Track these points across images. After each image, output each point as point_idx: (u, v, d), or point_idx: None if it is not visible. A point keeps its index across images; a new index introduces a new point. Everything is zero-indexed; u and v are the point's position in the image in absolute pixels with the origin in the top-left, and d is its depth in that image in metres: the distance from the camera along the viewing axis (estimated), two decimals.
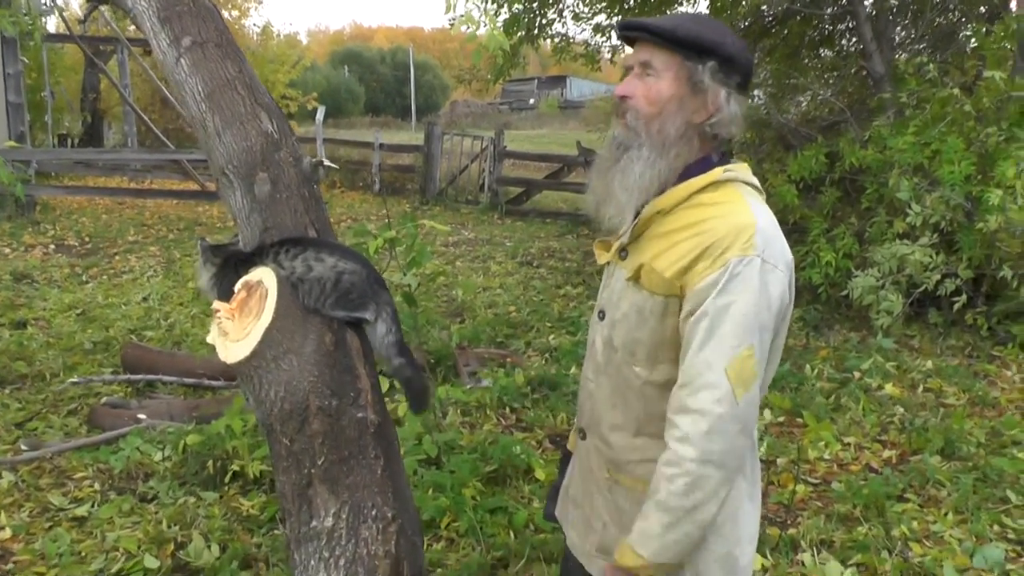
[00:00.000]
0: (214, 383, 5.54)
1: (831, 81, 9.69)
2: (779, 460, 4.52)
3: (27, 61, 15.39)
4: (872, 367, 5.91)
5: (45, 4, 13.88)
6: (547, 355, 6.42)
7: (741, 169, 1.81)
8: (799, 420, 5.08)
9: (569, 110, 42.57)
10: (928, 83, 7.05)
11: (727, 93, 1.75)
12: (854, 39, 9.58)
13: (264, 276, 2.01)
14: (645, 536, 1.72)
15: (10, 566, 3.53)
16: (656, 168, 1.77)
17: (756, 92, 10.27)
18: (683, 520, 1.68)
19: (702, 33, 1.75)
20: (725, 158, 1.84)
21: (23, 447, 4.61)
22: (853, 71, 9.35)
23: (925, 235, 6.42)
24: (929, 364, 6.10)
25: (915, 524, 3.81)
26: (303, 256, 2.05)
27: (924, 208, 6.44)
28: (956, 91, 6.78)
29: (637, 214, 1.83)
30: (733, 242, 1.67)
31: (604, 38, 10.87)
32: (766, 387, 1.84)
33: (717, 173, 1.77)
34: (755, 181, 1.83)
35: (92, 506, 4.02)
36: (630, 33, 1.82)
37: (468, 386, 5.41)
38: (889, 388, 5.58)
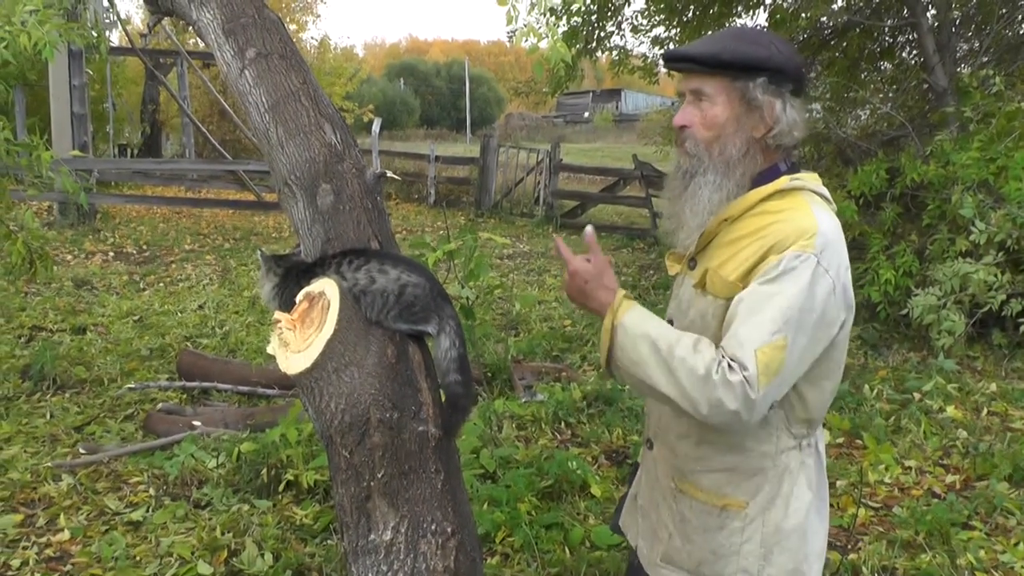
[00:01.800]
0: (268, 392, 5.58)
1: (891, 95, 9.52)
2: (839, 483, 4.41)
3: (91, 73, 15.75)
4: (933, 389, 5.76)
5: (110, 18, 14.20)
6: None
7: (809, 178, 1.83)
8: (858, 442, 4.97)
9: (624, 123, 42.45)
10: (993, 97, 6.89)
11: (782, 103, 1.78)
12: (915, 52, 9.42)
13: (326, 287, 2.00)
14: (636, 319, 1.78)
15: (68, 567, 3.58)
16: (724, 190, 1.81)
17: (815, 105, 10.13)
18: (655, 354, 1.71)
19: (747, 51, 1.77)
20: (794, 167, 1.86)
21: (81, 451, 4.68)
22: (914, 84, 9.18)
23: (989, 254, 6.27)
24: (993, 387, 5.93)
25: (982, 553, 3.67)
26: (366, 268, 2.03)
27: (989, 226, 6.28)
28: (1023, 105, 6.61)
29: None
30: (795, 240, 1.69)
31: (662, 51, 10.80)
32: (823, 407, 1.84)
33: (783, 181, 1.80)
34: (824, 191, 1.84)
35: (147, 511, 4.06)
36: (676, 65, 1.85)
37: (523, 400, 5.38)
38: (951, 411, 5.43)
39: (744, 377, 1.63)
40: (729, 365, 1.65)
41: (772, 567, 1.85)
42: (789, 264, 1.67)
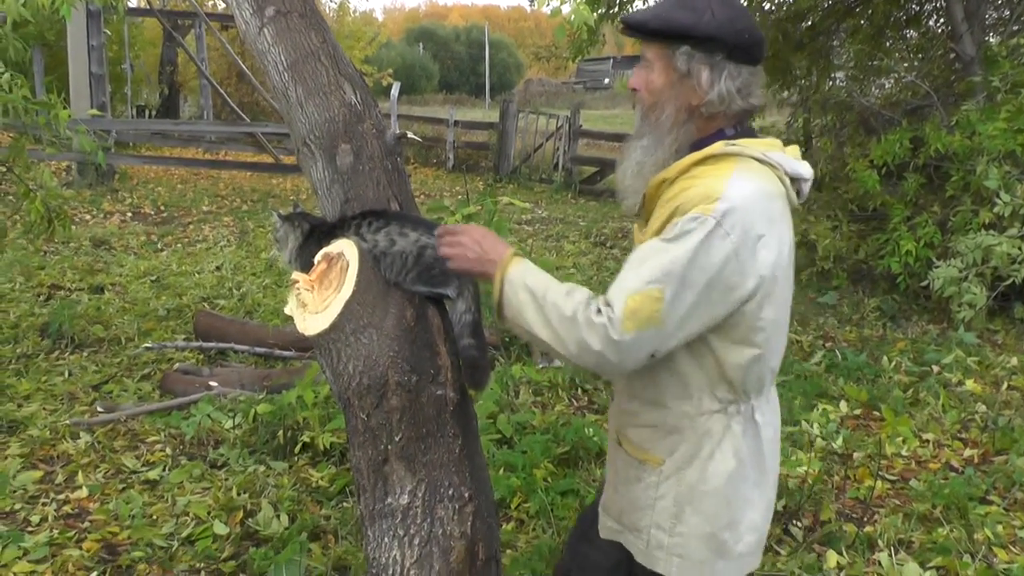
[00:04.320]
0: (285, 353, 5.59)
1: (916, 63, 9.36)
2: (856, 454, 4.39)
3: (109, 34, 15.70)
4: (953, 362, 5.70)
5: None
6: None
7: (754, 144, 1.82)
8: (876, 413, 4.94)
9: None
10: (1023, 66, 6.76)
11: (711, 72, 1.78)
12: (943, 20, 9.24)
13: (345, 248, 1.98)
14: (520, 272, 1.82)
15: (86, 524, 3.60)
16: (654, 155, 1.85)
17: (837, 74, 9.98)
18: (532, 301, 1.77)
19: (672, 18, 1.79)
20: (746, 133, 1.86)
21: (99, 409, 4.70)
22: (940, 53, 9.02)
23: (1014, 226, 6.18)
24: (1014, 361, 5.87)
25: (1000, 528, 3.64)
26: (386, 230, 2.01)
27: (1014, 198, 6.19)
28: None
29: None
30: (696, 204, 1.70)
31: None
32: (748, 375, 1.82)
33: (717, 147, 1.79)
34: (768, 156, 1.81)
35: (164, 470, 4.08)
36: (625, 31, 1.91)
37: (540, 366, 5.37)
38: (970, 384, 5.38)
39: (608, 318, 1.68)
40: (598, 309, 1.71)
41: (684, 526, 1.88)
42: (685, 226, 1.68)
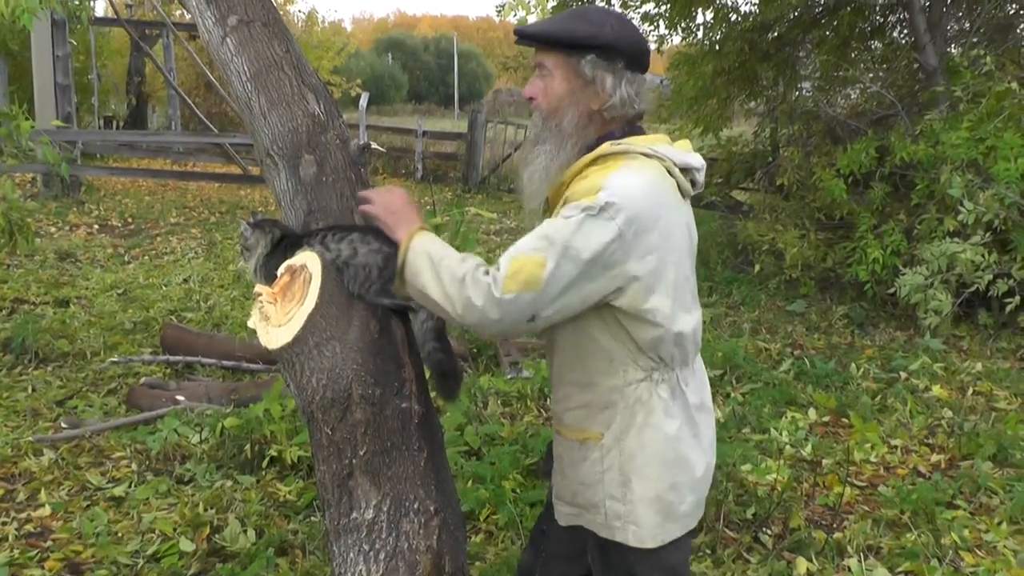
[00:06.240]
0: (253, 366, 5.53)
1: (881, 74, 9.47)
2: (825, 461, 4.41)
3: (75, 43, 15.55)
4: (919, 368, 5.77)
5: None
6: None
7: (636, 141, 1.94)
8: (844, 420, 4.97)
9: None
10: (984, 77, 6.85)
11: (615, 78, 1.92)
12: (906, 31, 9.36)
13: (308, 260, 1.97)
14: (424, 241, 1.93)
15: (49, 543, 3.54)
16: (558, 159, 1.96)
17: (804, 84, 10.08)
18: (430, 266, 1.88)
19: (576, 29, 1.92)
20: (632, 132, 1.98)
21: (63, 425, 4.63)
22: (904, 64, 9.13)
23: (977, 233, 6.24)
24: (979, 367, 5.94)
25: (966, 533, 3.67)
26: (350, 239, 2.00)
27: (977, 206, 6.26)
28: (1014, 85, 6.59)
29: None
30: (581, 197, 1.83)
31: (652, 27, 10.68)
32: (661, 347, 1.91)
33: (604, 148, 1.92)
34: (654, 150, 1.92)
35: (129, 486, 4.02)
36: (521, 41, 2.02)
37: (509, 376, 5.35)
38: (937, 390, 5.43)
39: (494, 277, 1.80)
40: (486, 271, 1.84)
41: (632, 493, 1.96)
42: (568, 212, 1.82)
